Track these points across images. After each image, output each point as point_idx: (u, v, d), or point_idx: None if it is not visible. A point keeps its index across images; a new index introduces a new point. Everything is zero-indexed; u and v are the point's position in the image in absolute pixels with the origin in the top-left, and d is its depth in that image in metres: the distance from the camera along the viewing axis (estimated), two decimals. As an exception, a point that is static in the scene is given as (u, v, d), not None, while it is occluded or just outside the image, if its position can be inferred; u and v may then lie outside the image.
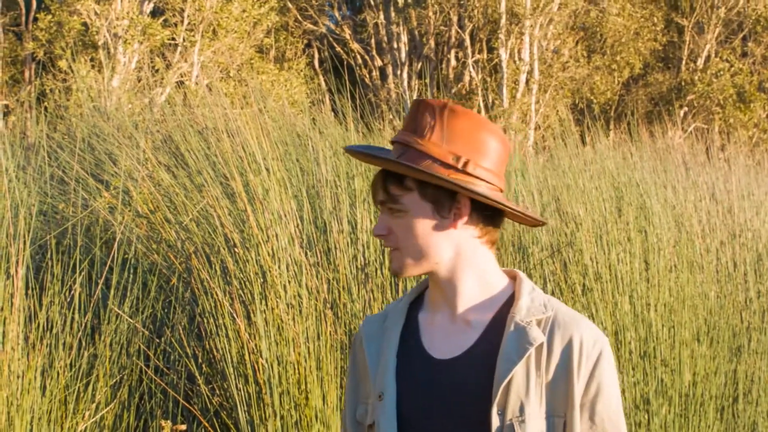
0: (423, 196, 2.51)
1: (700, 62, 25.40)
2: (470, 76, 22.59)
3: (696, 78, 24.49)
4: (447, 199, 2.52)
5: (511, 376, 2.43)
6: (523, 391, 2.44)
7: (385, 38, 23.05)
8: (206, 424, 5.41)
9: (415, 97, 21.17)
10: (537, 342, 2.45)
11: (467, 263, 2.54)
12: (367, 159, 2.55)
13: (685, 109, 24.33)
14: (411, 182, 2.50)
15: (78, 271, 5.54)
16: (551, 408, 2.45)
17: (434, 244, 2.52)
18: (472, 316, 2.54)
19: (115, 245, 5.88)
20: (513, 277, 2.61)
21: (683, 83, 24.68)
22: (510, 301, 2.55)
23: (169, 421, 4.78)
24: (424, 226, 2.51)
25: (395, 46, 22.91)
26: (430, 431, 2.50)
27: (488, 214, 2.54)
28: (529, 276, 6.30)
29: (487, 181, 2.51)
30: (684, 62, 25.67)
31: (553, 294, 6.14)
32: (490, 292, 2.55)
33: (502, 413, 2.43)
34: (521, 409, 2.43)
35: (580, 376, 2.45)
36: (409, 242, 2.51)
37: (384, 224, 2.52)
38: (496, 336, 2.50)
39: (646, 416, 5.89)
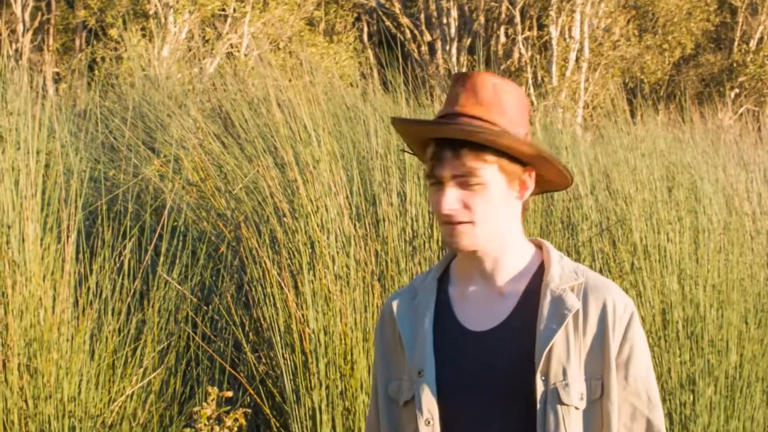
0: (501, 169, 2.51)
1: (753, 44, 25.14)
2: (520, 53, 22.48)
3: (748, 59, 24.25)
4: (518, 172, 2.54)
5: (553, 343, 2.47)
6: (564, 356, 2.48)
7: (435, 13, 22.98)
8: (252, 392, 5.44)
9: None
10: (574, 308, 2.50)
11: (515, 236, 2.57)
12: (449, 131, 2.48)
13: (736, 90, 24.10)
14: (491, 155, 2.50)
15: (128, 238, 5.58)
16: (589, 371, 2.50)
17: (504, 218, 2.54)
18: (505, 287, 2.56)
19: (165, 213, 5.92)
20: (538, 246, 2.63)
21: (735, 64, 24.44)
22: (540, 271, 2.57)
23: (215, 388, 4.81)
24: (499, 199, 2.52)
25: (445, 21, 22.84)
26: (472, 403, 2.52)
27: (535, 187, 2.59)
28: (578, 253, 6.28)
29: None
30: (736, 43, 25.42)
31: (601, 272, 6.12)
32: (522, 262, 2.58)
33: (546, 379, 2.47)
34: (564, 373, 2.47)
35: (615, 338, 2.50)
36: (486, 216, 2.50)
37: (456, 198, 2.48)
38: (532, 305, 2.53)
39: (692, 396, 5.87)
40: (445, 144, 2.48)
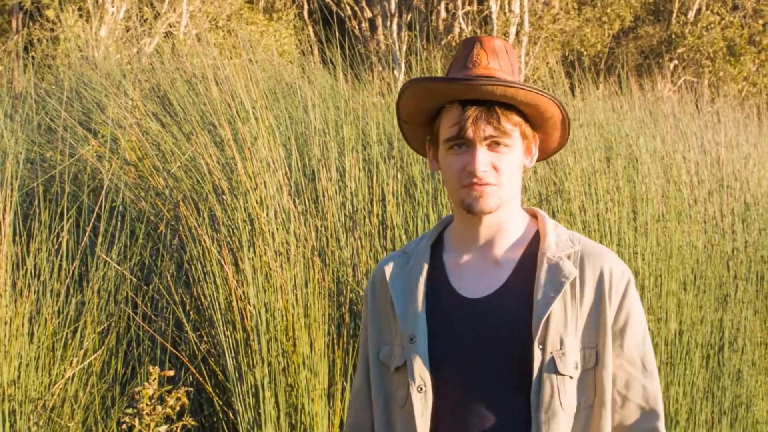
0: (522, 133, 2.54)
1: (691, 15, 25.32)
2: (460, 28, 22.48)
3: (686, 31, 24.42)
4: (531, 137, 2.58)
5: (551, 311, 2.48)
6: (562, 324, 2.48)
7: (375, -11, 22.92)
8: (194, 371, 5.42)
9: (404, 48, 21.09)
10: (572, 276, 2.50)
11: (518, 202, 2.61)
12: (493, 87, 2.46)
13: (675, 62, 24.27)
14: (518, 116, 2.52)
15: (65, 219, 5.53)
16: (584, 339, 2.50)
17: (518, 183, 2.57)
18: (501, 255, 2.57)
19: (103, 193, 5.87)
20: (532, 215, 2.64)
21: (673, 36, 24.60)
22: (536, 239, 2.59)
23: (156, 368, 4.78)
24: (518, 162, 2.55)
25: (385, -3, 22.78)
26: (465, 370, 2.51)
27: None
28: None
29: None
30: (674, 15, 25.58)
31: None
32: (520, 230, 2.59)
33: (543, 348, 2.47)
34: (561, 343, 2.47)
35: (611, 306, 2.51)
36: (510, 179, 2.52)
37: (487, 160, 2.48)
38: (528, 273, 2.54)
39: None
40: (477, 105, 2.48)
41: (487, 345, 2.51)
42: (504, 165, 2.50)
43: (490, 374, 2.50)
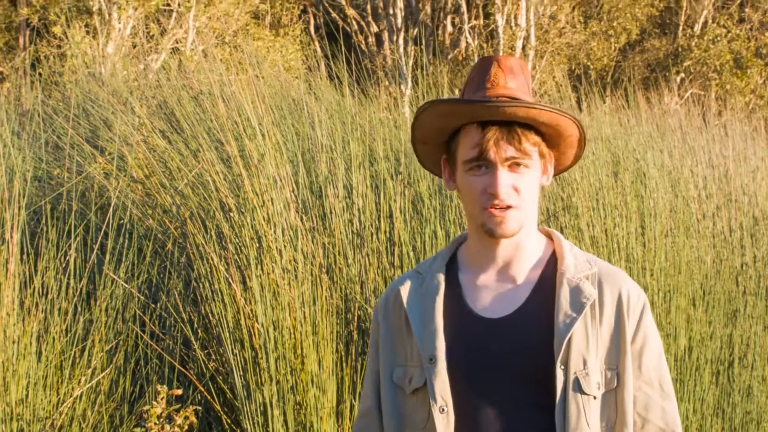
0: (541, 153, 2.53)
1: (697, 28, 25.32)
2: (467, 42, 22.50)
3: (693, 44, 24.42)
4: (548, 156, 2.56)
5: (572, 332, 2.47)
6: (584, 345, 2.48)
7: (381, 4, 22.95)
8: (202, 389, 5.41)
9: (410, 62, 21.10)
10: (592, 298, 2.50)
11: (535, 222, 2.59)
12: (516, 108, 2.45)
13: (682, 75, 24.26)
14: (537, 136, 2.51)
15: (73, 237, 5.53)
16: (606, 360, 2.50)
17: (536, 203, 2.56)
18: (519, 275, 2.56)
19: (110, 210, 5.87)
20: (547, 236, 2.63)
21: (680, 49, 24.60)
22: (552, 260, 2.58)
23: (165, 386, 4.77)
24: (537, 183, 2.54)
25: (391, 12, 22.81)
26: (485, 390, 2.50)
27: None
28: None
29: None
30: (681, 28, 25.58)
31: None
32: (538, 251, 2.58)
33: (566, 368, 2.46)
34: (584, 363, 2.47)
35: (629, 327, 2.51)
36: (529, 200, 2.51)
37: (508, 181, 2.47)
38: (547, 293, 2.53)
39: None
40: (496, 126, 2.47)
41: (507, 364, 2.50)
42: (524, 185, 2.48)
43: (510, 394, 2.49)
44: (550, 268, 2.56)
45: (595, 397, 2.48)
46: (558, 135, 2.53)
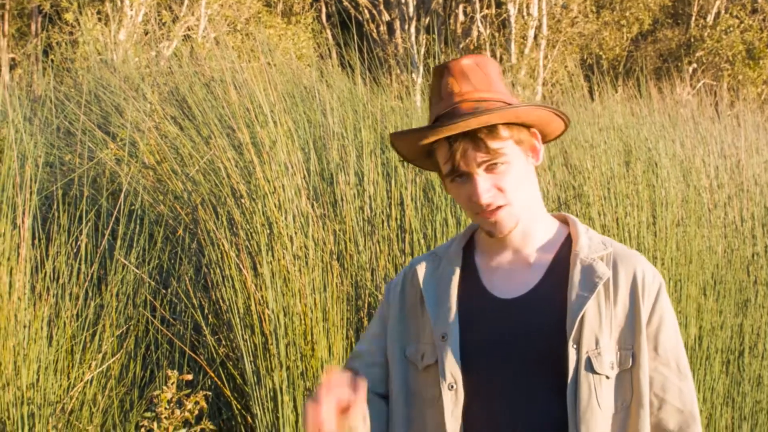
0: (516, 141, 2.52)
1: (710, 18, 25.24)
2: (478, 31, 22.47)
3: (705, 34, 24.36)
4: (527, 137, 2.55)
5: (585, 311, 2.48)
6: (596, 324, 2.48)
7: (393, -7, 22.91)
8: (212, 375, 5.42)
9: (422, 51, 21.07)
10: (605, 277, 2.51)
11: (539, 204, 2.61)
12: (456, 125, 2.46)
13: (694, 65, 24.21)
14: (505, 130, 2.50)
15: (84, 222, 5.54)
16: (620, 340, 2.50)
17: (529, 188, 2.57)
18: (533, 257, 2.58)
19: (122, 196, 5.88)
20: (563, 221, 2.66)
21: (692, 39, 24.54)
22: (567, 242, 2.60)
23: (175, 371, 4.78)
24: (522, 171, 2.54)
25: (403, 0, 22.79)
26: (498, 370, 2.52)
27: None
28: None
29: None
30: (693, 18, 25.52)
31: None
32: (550, 233, 2.61)
33: (578, 347, 2.47)
34: (596, 342, 2.47)
35: (645, 308, 2.51)
36: (518, 193, 2.52)
37: (489, 185, 2.49)
38: (561, 274, 2.55)
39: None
40: (460, 137, 2.48)
41: (520, 344, 2.51)
42: (507, 182, 2.50)
43: (522, 373, 2.51)
44: (565, 250, 2.58)
45: (607, 377, 2.48)
46: (527, 121, 2.54)
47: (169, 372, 4.77)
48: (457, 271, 2.61)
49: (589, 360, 2.46)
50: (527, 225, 2.57)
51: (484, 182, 2.48)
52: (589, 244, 2.56)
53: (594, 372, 2.47)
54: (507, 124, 2.50)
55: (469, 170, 2.48)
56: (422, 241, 5.83)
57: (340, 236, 5.73)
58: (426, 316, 2.59)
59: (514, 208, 2.51)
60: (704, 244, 6.49)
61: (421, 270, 2.64)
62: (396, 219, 5.91)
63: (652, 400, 2.53)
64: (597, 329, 2.48)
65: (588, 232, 2.60)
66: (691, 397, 2.56)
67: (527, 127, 2.55)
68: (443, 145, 2.50)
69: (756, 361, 6.25)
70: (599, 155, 6.57)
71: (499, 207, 2.50)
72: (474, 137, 2.47)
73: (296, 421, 5.08)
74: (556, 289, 2.53)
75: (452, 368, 2.51)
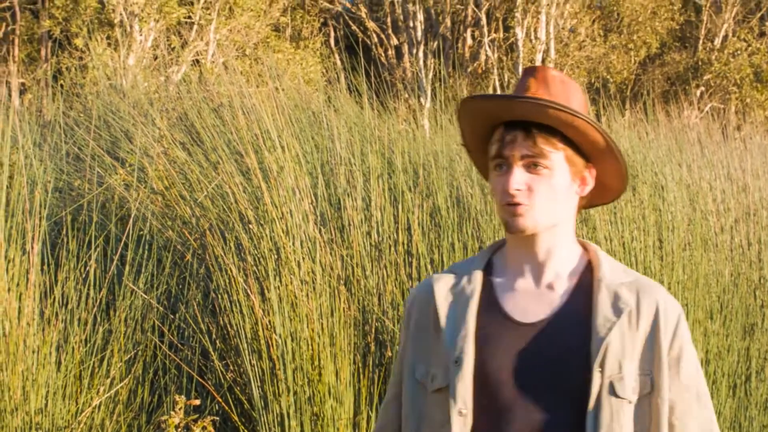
0: (567, 158, 2.53)
1: (718, 42, 25.29)
2: (486, 55, 22.53)
3: (713, 57, 24.39)
4: (581, 166, 2.57)
5: (610, 336, 2.48)
6: (620, 349, 2.48)
7: (401, 17, 23.00)
8: (220, 400, 5.43)
9: (430, 75, 21.12)
10: (630, 304, 2.51)
11: (569, 230, 2.60)
12: (528, 108, 2.48)
13: (702, 88, 24.23)
14: (560, 141, 2.52)
15: (93, 248, 5.57)
16: (641, 366, 2.50)
17: (563, 209, 2.56)
18: (555, 281, 2.57)
19: (130, 222, 5.91)
20: (583, 247, 2.65)
21: (700, 63, 24.57)
22: (588, 268, 2.59)
23: (182, 397, 4.80)
24: (561, 188, 2.53)
25: (411, 24, 22.86)
26: (514, 395, 2.50)
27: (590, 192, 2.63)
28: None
29: None
30: (701, 42, 25.56)
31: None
32: (573, 259, 2.60)
33: (602, 371, 2.47)
34: (620, 367, 2.47)
35: (666, 336, 2.51)
36: (546, 202, 2.52)
37: (523, 181, 2.49)
38: (584, 299, 2.54)
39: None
40: (517, 125, 2.50)
41: (540, 368, 2.50)
42: (540, 187, 2.50)
43: (541, 398, 2.49)
44: (587, 276, 2.58)
45: (629, 402, 2.48)
46: (584, 140, 2.54)
47: (177, 397, 4.78)
48: (476, 292, 2.59)
49: (611, 384, 2.46)
50: (552, 245, 2.56)
51: (520, 175, 2.48)
52: (612, 270, 2.57)
53: (616, 396, 2.46)
54: (565, 139, 2.53)
55: (512, 159, 2.49)
56: (429, 266, 5.85)
57: (348, 261, 5.75)
58: (440, 337, 2.57)
59: (536, 213, 2.50)
60: (711, 268, 6.50)
61: (438, 288, 2.62)
62: (403, 244, 5.94)
63: (672, 426, 2.54)
64: (620, 354, 2.48)
65: (608, 259, 2.61)
66: (710, 425, 2.56)
67: (587, 158, 2.58)
68: (499, 131, 2.52)
69: (763, 385, 6.25)
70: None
71: (520, 204, 2.49)
72: (528, 129, 2.49)
73: (303, 446, 5.10)
74: (579, 313, 2.53)
75: (464, 394, 2.50)
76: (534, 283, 2.58)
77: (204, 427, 4.82)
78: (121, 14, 17.15)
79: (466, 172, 6.80)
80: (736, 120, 17.07)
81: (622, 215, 6.27)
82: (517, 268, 2.60)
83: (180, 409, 4.77)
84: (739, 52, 24.16)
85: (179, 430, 4.78)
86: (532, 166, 2.50)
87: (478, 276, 2.61)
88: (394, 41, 22.99)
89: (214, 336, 5.70)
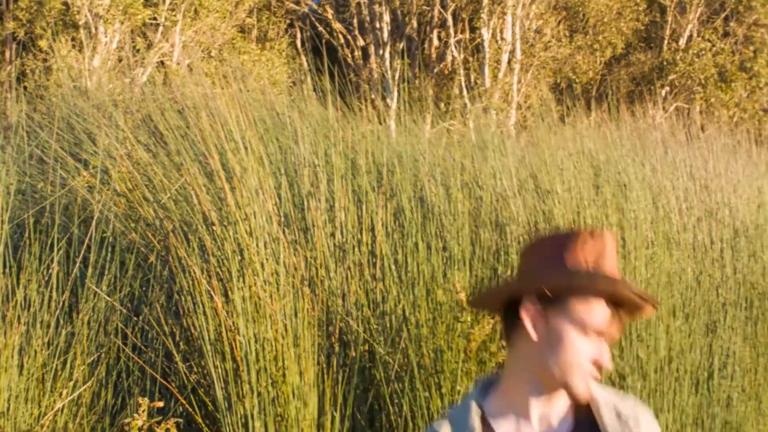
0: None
1: (682, 42, 25.42)
2: (452, 56, 22.56)
3: (678, 58, 24.52)
4: None
5: None
6: None
7: (368, 18, 23.00)
8: (183, 402, 5.42)
9: (396, 76, 21.11)
10: (632, 416, 2.60)
11: None
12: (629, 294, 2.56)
13: (667, 88, 24.35)
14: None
15: (56, 250, 5.54)
16: None
17: None
18: (556, 420, 2.61)
19: (93, 224, 5.88)
20: None
21: (665, 63, 24.69)
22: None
23: (146, 399, 4.79)
24: None
25: (377, 25, 22.86)
26: None
27: None
28: (507, 253, 6.32)
29: None
30: (666, 42, 25.69)
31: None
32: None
33: None
34: None
35: None
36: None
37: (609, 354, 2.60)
38: (589, 421, 2.61)
39: (622, 392, 5.91)
40: (622, 305, 2.57)
41: None
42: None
43: None
44: (582, 409, 2.63)
45: None
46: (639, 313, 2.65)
47: (140, 399, 4.77)
48: None
49: None
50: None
51: (605, 346, 2.55)
52: (604, 396, 2.63)
53: None
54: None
55: (605, 334, 2.53)
56: (393, 267, 5.85)
57: (311, 262, 5.75)
58: None
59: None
60: (674, 266, 6.53)
61: None
62: (367, 244, 5.94)
63: None
64: None
65: (598, 387, 2.71)
66: None
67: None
68: (597, 301, 2.55)
69: (725, 382, 6.30)
70: (569, 179, 6.61)
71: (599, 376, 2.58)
72: (618, 310, 2.56)
73: (268, 447, 5.09)
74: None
75: None
76: (539, 424, 2.61)
77: (167, 429, 4.81)
78: (86, 16, 17.06)
79: (430, 173, 6.82)
80: (700, 120, 17.17)
81: (585, 215, 6.29)
82: (522, 413, 2.62)
83: (143, 411, 4.76)
84: (703, 52, 24.30)
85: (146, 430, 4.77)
86: (607, 338, 2.57)
87: (478, 426, 2.61)
88: (361, 42, 22.99)
89: (177, 338, 5.69)
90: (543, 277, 2.57)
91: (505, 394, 2.62)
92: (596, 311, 2.54)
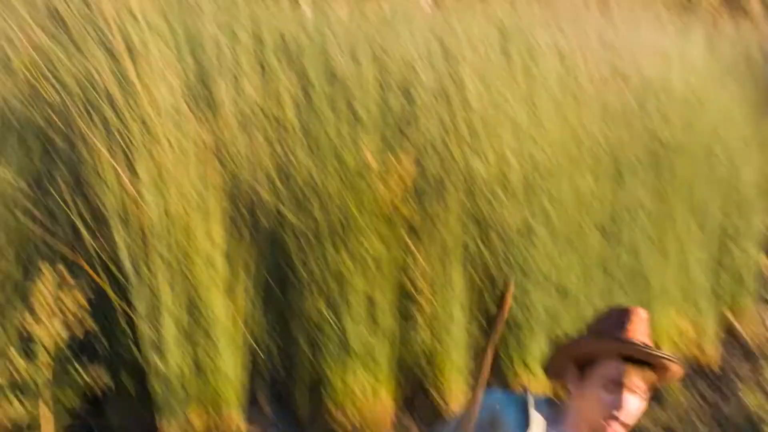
0: (651, 386, 2.96)
1: None
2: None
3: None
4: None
5: None
6: None
7: None
8: (92, 274, 5.37)
9: None
10: None
11: None
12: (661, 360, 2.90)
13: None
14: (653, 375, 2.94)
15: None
16: None
17: None
18: None
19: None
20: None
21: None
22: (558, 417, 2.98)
23: (49, 267, 4.73)
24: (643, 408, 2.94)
25: None
26: None
27: None
28: (416, 121, 6.29)
29: None
30: None
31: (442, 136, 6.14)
32: None
33: None
34: None
35: None
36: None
37: (632, 409, 2.86)
38: None
39: (529, 243, 5.98)
40: (646, 365, 2.88)
41: None
42: (637, 414, 2.86)
43: None
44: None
45: None
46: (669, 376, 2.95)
47: (44, 268, 4.72)
48: None
49: None
50: None
51: (633, 402, 2.84)
52: None
53: None
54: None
55: (631, 389, 2.84)
56: (302, 136, 5.83)
57: (218, 135, 5.71)
58: None
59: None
60: (582, 127, 6.56)
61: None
62: (274, 115, 5.90)
63: None
64: None
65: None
66: None
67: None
68: (619, 360, 2.86)
69: (630, 228, 6.40)
70: (476, 44, 6.60)
71: (627, 425, 2.84)
72: (643, 369, 2.87)
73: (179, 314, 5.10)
74: None
75: None
76: None
77: (75, 299, 4.77)
78: None
79: (339, 46, 6.76)
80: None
81: (491, 76, 6.28)
82: None
83: (48, 281, 4.71)
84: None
85: (53, 300, 4.72)
86: (639, 393, 2.87)
87: None
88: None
89: (85, 215, 5.63)
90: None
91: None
92: (613, 364, 2.86)
